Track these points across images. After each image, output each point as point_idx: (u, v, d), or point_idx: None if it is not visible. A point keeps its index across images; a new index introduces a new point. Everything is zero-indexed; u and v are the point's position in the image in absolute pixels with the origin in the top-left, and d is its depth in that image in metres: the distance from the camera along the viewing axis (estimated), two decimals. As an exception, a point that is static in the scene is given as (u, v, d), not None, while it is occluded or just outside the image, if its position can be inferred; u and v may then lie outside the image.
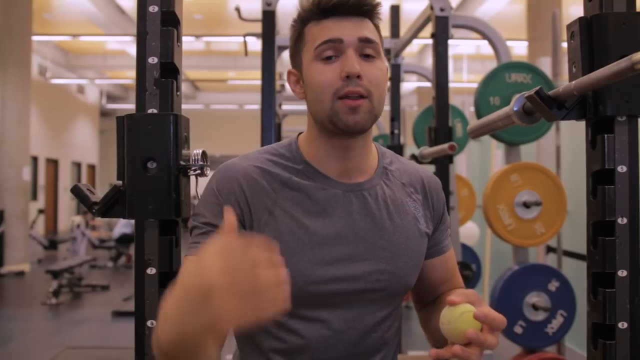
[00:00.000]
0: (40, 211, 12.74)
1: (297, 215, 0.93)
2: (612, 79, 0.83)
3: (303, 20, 0.96)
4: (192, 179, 1.06)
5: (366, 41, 0.92)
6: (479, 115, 2.68)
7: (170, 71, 1.02)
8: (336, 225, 0.94)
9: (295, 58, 0.98)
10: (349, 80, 0.90)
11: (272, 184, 0.95)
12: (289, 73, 1.00)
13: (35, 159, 13.63)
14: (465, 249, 3.66)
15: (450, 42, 2.50)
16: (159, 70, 1.00)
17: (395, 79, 3.60)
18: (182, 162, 1.01)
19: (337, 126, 0.92)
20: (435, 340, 1.02)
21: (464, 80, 14.21)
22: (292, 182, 0.96)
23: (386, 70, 0.97)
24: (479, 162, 5.90)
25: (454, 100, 4.49)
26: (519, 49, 12.32)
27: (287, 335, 0.94)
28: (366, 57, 0.93)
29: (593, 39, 0.99)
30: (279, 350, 0.95)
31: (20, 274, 8.38)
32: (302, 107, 7.01)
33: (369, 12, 0.94)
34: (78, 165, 17.65)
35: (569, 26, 1.03)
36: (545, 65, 3.74)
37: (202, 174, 1.03)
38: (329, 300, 0.93)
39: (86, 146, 18.25)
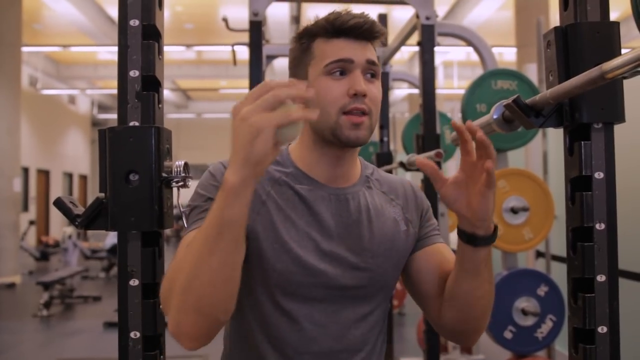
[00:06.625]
0: (32, 222, 12.66)
1: (286, 209, 0.99)
2: (585, 88, 0.85)
3: (311, 34, 1.00)
4: (174, 190, 1.06)
5: (371, 63, 1.00)
6: (465, 122, 2.70)
7: (151, 84, 1.03)
8: (320, 224, 1.00)
9: (299, 69, 1.02)
10: (355, 98, 0.97)
11: (264, 178, 1.00)
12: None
13: (26, 170, 13.55)
14: (456, 255, 3.67)
15: (440, 49, 2.53)
16: (140, 84, 1.01)
17: (384, 87, 3.62)
18: (164, 174, 1.01)
19: (339, 139, 0.98)
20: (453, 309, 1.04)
21: (454, 86, 14.29)
22: (282, 180, 1.02)
23: (381, 89, 1.04)
24: (470, 168, 5.92)
25: (444, 106, 4.54)
26: (508, 55, 12.43)
27: (271, 328, 0.98)
28: (370, 77, 1.00)
29: (568, 48, 1.00)
30: (265, 343, 0.99)
31: (11, 285, 8.32)
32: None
33: (375, 38, 1.01)
34: (70, 176, 17.56)
35: (545, 35, 1.04)
36: (532, 71, 3.77)
37: (185, 186, 1.04)
38: (311, 293, 0.98)
39: (78, 156, 18.18)
